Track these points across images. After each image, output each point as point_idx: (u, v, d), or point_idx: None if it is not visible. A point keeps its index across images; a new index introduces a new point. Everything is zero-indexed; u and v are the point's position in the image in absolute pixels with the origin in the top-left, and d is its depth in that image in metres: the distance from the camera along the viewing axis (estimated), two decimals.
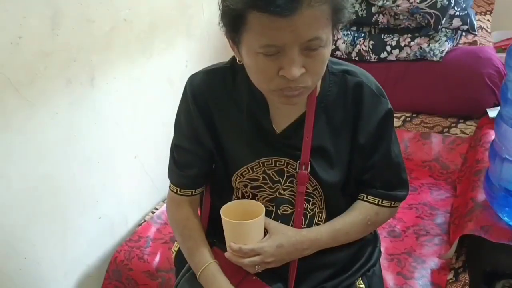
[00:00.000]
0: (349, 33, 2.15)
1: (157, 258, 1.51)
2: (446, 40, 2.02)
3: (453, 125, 2.01)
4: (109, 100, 1.48)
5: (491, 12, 2.37)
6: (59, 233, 1.37)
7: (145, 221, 1.68)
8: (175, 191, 1.09)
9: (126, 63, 1.54)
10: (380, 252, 1.13)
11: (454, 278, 1.28)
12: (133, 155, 1.64)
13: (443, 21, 1.98)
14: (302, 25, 0.78)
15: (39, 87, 1.23)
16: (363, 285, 1.05)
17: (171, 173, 1.10)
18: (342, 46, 2.15)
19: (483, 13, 2.36)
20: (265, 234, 0.97)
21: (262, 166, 1.00)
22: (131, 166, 1.64)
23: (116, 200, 1.59)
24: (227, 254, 0.97)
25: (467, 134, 1.95)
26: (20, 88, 1.17)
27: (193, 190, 1.09)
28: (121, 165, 1.59)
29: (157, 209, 1.74)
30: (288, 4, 0.75)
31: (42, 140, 1.27)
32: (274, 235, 0.96)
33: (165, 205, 1.70)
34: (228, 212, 0.96)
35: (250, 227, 0.94)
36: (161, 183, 1.11)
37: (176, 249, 1.21)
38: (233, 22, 0.83)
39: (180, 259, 1.18)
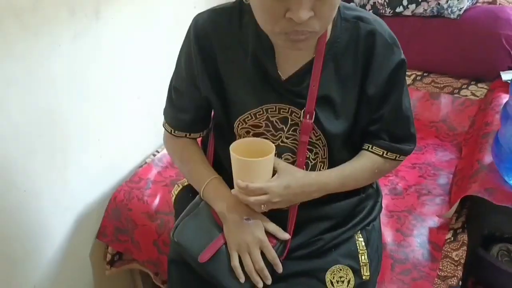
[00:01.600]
0: None
1: (157, 200, 1.51)
2: None
3: (464, 86, 1.96)
4: (114, 36, 1.43)
5: None
6: (59, 168, 1.36)
7: (146, 163, 1.67)
8: (169, 131, 1.09)
9: None
10: (381, 207, 1.13)
11: (452, 238, 1.28)
12: (136, 95, 1.61)
13: None
14: None
15: (42, 15, 1.18)
16: (361, 239, 1.05)
17: (166, 113, 1.10)
18: None
19: None
20: (274, 174, 0.96)
21: (265, 113, 0.97)
22: (134, 106, 1.61)
23: (118, 139, 1.57)
24: (233, 191, 0.96)
25: (478, 97, 1.91)
26: (22, 14, 1.12)
27: (187, 133, 1.08)
28: (124, 105, 1.56)
29: (158, 152, 1.73)
30: None
31: (44, 72, 1.23)
32: (283, 175, 0.94)
33: None
34: (238, 149, 0.94)
35: (259, 165, 0.92)
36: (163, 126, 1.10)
37: (176, 192, 1.21)
38: None
39: (180, 202, 1.18)
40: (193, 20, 0.98)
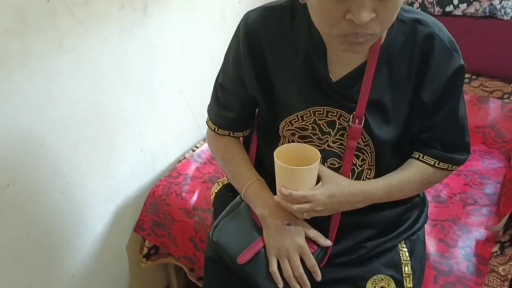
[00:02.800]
0: None
1: (195, 197, 1.51)
2: None
3: None
4: (160, 30, 1.44)
5: None
6: (102, 160, 1.38)
7: (185, 158, 1.67)
8: (213, 128, 1.08)
9: None
10: (427, 217, 1.09)
11: (499, 252, 1.22)
12: (178, 90, 1.61)
13: None
14: None
15: (93, 9, 1.19)
16: (405, 249, 1.02)
17: (210, 110, 1.09)
18: None
19: None
20: (318, 182, 0.93)
21: (313, 116, 0.95)
22: (175, 101, 1.61)
23: (159, 134, 1.58)
24: (276, 198, 0.95)
25: None
26: (73, 8, 1.14)
27: (231, 132, 1.07)
28: (166, 99, 1.57)
29: (197, 148, 1.73)
30: None
31: (91, 65, 1.24)
32: (327, 183, 0.92)
33: (205, 144, 1.69)
34: (282, 154, 0.92)
35: (303, 173, 0.90)
36: (203, 122, 1.08)
37: (215, 191, 1.21)
38: None
39: (219, 201, 1.18)
40: (243, 18, 0.96)
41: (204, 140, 1.76)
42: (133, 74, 1.39)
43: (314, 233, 0.97)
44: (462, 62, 0.90)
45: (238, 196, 1.07)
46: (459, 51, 0.91)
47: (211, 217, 1.33)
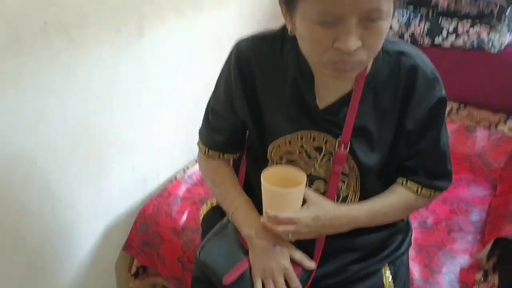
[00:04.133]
0: (405, 12, 2.06)
1: (184, 217, 1.52)
2: (507, 32, 1.92)
3: (501, 121, 1.92)
4: (154, 51, 1.47)
5: None
6: (93, 178, 1.40)
7: (176, 178, 1.69)
8: (203, 150, 1.10)
9: (175, 16, 1.52)
10: (410, 241, 1.11)
11: (482, 279, 1.24)
12: (171, 110, 1.64)
13: (507, 12, 1.87)
14: None
15: (87, 30, 1.22)
16: (389, 273, 1.03)
17: (202, 132, 1.12)
18: (395, 26, 2.07)
19: None
20: (303, 204, 0.96)
21: (300, 140, 0.98)
22: (168, 122, 1.64)
23: (150, 153, 1.60)
24: (262, 219, 0.97)
25: None
26: (68, 29, 1.17)
27: (221, 153, 1.09)
28: (158, 119, 1.59)
29: (188, 168, 1.75)
30: None
31: (85, 84, 1.27)
32: (313, 206, 0.94)
33: (197, 165, 1.71)
34: (269, 177, 0.94)
35: (289, 196, 0.92)
36: (195, 143, 1.11)
37: (204, 211, 1.22)
38: None
39: (207, 221, 1.19)
40: (235, 45, 1.00)
41: (195, 161, 1.78)
42: (126, 94, 1.41)
43: (299, 255, 0.99)
44: (444, 93, 0.94)
45: (226, 217, 1.09)
46: (441, 83, 0.94)
47: (200, 238, 1.34)
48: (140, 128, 1.52)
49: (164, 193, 1.61)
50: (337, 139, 0.95)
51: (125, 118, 1.44)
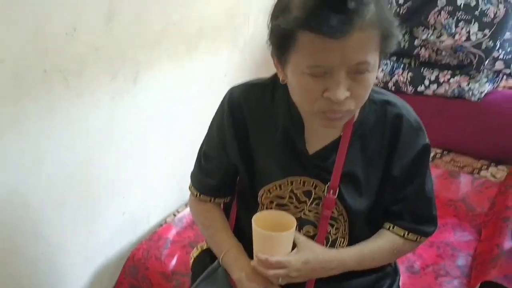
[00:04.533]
0: (389, 62, 2.15)
1: (174, 261, 1.52)
2: (486, 82, 2.00)
3: (484, 167, 1.97)
4: (149, 98, 1.52)
5: None
6: (85, 221, 1.40)
7: (166, 222, 1.70)
8: (195, 194, 1.12)
9: (170, 64, 1.58)
10: (398, 286, 1.12)
11: None
12: (163, 155, 1.67)
13: (486, 62, 1.96)
14: (351, 48, 0.79)
15: (86, 77, 1.27)
16: None
17: (193, 176, 1.13)
18: (380, 75, 2.14)
19: None
20: (293, 248, 0.97)
21: (290, 185, 1.01)
22: (160, 165, 1.66)
23: (142, 197, 1.61)
24: (252, 263, 0.98)
25: (497, 178, 1.91)
26: (68, 76, 1.21)
27: (212, 198, 1.11)
28: (151, 164, 1.62)
29: (179, 212, 1.76)
30: (341, 27, 0.76)
31: (82, 128, 1.31)
32: (302, 250, 0.96)
33: (187, 208, 1.72)
34: (260, 221, 0.96)
35: (279, 239, 0.94)
36: (186, 187, 1.14)
37: (194, 255, 1.22)
38: (282, 41, 0.84)
39: (198, 265, 1.19)
40: (227, 92, 1.04)
41: (186, 205, 1.79)
42: (121, 138, 1.45)
43: None
44: (427, 141, 0.99)
45: (216, 261, 1.10)
46: (425, 131, 0.99)
47: (189, 282, 1.34)
48: (133, 172, 1.54)
49: (154, 237, 1.61)
50: (326, 184, 0.98)
51: (120, 162, 1.47)
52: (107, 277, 1.55)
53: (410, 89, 2.10)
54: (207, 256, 1.16)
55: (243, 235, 1.07)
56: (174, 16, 1.53)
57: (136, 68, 1.44)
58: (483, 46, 1.92)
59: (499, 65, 2.00)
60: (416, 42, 2.06)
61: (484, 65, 1.96)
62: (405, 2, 2.02)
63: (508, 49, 2.01)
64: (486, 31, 1.91)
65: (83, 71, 1.25)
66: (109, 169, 1.43)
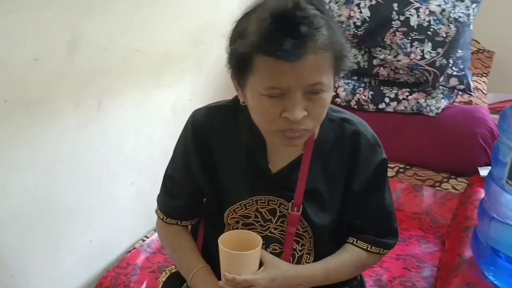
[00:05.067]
0: (350, 82, 2.21)
1: (143, 287, 1.50)
2: (442, 98, 2.09)
3: (445, 180, 2.04)
4: (114, 125, 1.52)
5: (487, 75, 2.46)
6: (50, 251, 1.38)
7: (134, 248, 1.68)
8: (161, 217, 1.13)
9: (134, 91, 1.59)
10: None
11: None
12: (130, 181, 1.66)
13: (441, 79, 2.05)
14: (306, 70, 0.83)
15: (49, 107, 1.27)
16: None
17: (160, 200, 1.14)
18: (342, 94, 2.21)
19: (479, 75, 2.44)
20: (260, 266, 0.99)
21: (255, 204, 1.03)
22: (127, 192, 1.66)
23: (109, 224, 1.60)
24: (220, 283, 0.98)
25: (458, 190, 1.98)
26: (31, 106, 1.21)
27: (179, 221, 1.12)
28: (118, 191, 1.61)
29: (147, 237, 1.75)
30: (295, 50, 0.80)
31: (46, 158, 1.30)
32: (269, 268, 0.98)
33: (156, 234, 1.71)
34: (226, 241, 0.98)
35: (245, 258, 0.96)
36: (154, 212, 1.15)
37: (163, 279, 1.22)
38: (240, 65, 0.88)
39: None
40: (190, 116, 1.06)
41: (154, 230, 1.78)
42: (86, 166, 1.44)
43: None
44: (384, 155, 1.03)
45: (185, 284, 1.10)
46: (382, 146, 1.03)
47: None
48: (99, 199, 1.53)
49: (122, 264, 1.59)
50: (290, 201, 1.01)
51: (85, 189, 1.46)
52: None
53: (371, 106, 2.16)
54: (176, 280, 1.16)
55: (211, 256, 1.08)
56: (138, 43, 1.55)
57: (101, 96, 1.44)
58: (437, 64, 2.01)
59: (453, 81, 2.10)
60: (375, 62, 2.15)
61: (439, 82, 2.05)
62: (362, 24, 2.10)
63: (461, 66, 2.11)
64: (439, 49, 2.00)
65: (46, 100, 1.25)
66: (75, 197, 1.42)
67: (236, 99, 1.02)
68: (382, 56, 2.09)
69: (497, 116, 2.11)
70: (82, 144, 1.41)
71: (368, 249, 1.05)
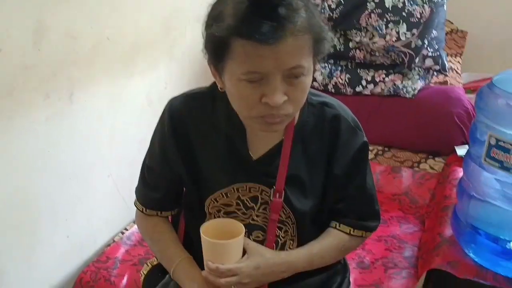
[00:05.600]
0: (327, 65, 2.20)
1: (124, 281, 1.47)
2: (418, 79, 2.10)
3: (423, 160, 2.06)
4: (87, 117, 1.47)
5: (461, 55, 2.49)
6: (26, 248, 1.34)
7: (114, 241, 1.65)
8: (141, 209, 1.11)
9: (106, 81, 1.54)
10: (349, 282, 1.15)
11: None
12: (107, 173, 1.62)
13: (416, 60, 2.06)
14: (285, 53, 0.81)
15: (17, 99, 1.22)
16: None
17: (138, 191, 1.12)
18: (319, 77, 2.20)
19: (454, 55, 2.46)
20: (244, 255, 0.97)
21: (236, 192, 1.01)
22: (104, 184, 1.62)
23: (86, 219, 1.56)
24: (203, 273, 0.97)
25: (436, 170, 2.00)
26: None
27: (159, 212, 1.10)
28: (94, 183, 1.57)
29: (127, 230, 1.71)
30: (273, 33, 0.78)
31: (16, 152, 1.25)
32: (252, 256, 0.97)
33: (135, 226, 1.68)
34: (208, 230, 0.96)
35: (228, 247, 0.94)
36: (133, 203, 1.12)
37: (145, 272, 1.20)
38: (217, 50, 0.85)
39: (149, 282, 1.17)
40: (167, 104, 1.03)
41: (133, 222, 1.75)
42: (59, 160, 1.39)
43: None
44: (365, 139, 1.02)
45: (168, 275, 1.08)
46: (362, 129, 1.03)
47: None
48: (75, 193, 1.49)
49: (102, 258, 1.55)
50: (272, 188, 0.99)
51: (60, 184, 1.41)
52: None
53: (349, 90, 2.16)
54: (158, 272, 1.15)
55: (193, 247, 1.06)
56: (108, 30, 1.50)
57: (71, 86, 1.39)
58: (412, 45, 2.01)
59: (428, 62, 2.11)
60: (351, 45, 2.14)
61: (414, 63, 2.06)
62: (337, 7, 2.08)
63: (436, 47, 2.12)
64: (414, 30, 2.00)
65: (13, 92, 1.20)
66: (49, 192, 1.38)
67: (213, 85, 1.00)
68: (358, 39, 2.09)
69: (472, 96, 2.15)
70: (54, 138, 1.36)
71: (351, 232, 1.05)
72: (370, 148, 2.03)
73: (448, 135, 1.99)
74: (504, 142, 1.15)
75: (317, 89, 2.16)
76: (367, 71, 2.14)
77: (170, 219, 1.15)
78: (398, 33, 2.00)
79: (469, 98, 2.06)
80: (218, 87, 0.94)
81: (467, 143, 1.96)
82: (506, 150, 1.15)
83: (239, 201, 1.02)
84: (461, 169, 1.76)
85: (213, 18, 0.86)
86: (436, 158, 2.04)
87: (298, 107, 0.91)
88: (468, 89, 2.33)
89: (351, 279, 1.16)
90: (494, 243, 1.25)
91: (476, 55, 2.53)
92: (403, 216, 1.84)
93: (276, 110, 0.85)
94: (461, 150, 1.90)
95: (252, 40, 0.79)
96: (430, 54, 2.10)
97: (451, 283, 1.31)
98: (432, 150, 2.05)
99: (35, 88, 1.27)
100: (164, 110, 1.03)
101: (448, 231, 1.42)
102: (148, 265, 1.20)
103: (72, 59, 1.38)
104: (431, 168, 2.02)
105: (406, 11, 2.00)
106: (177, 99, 1.03)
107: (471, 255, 1.30)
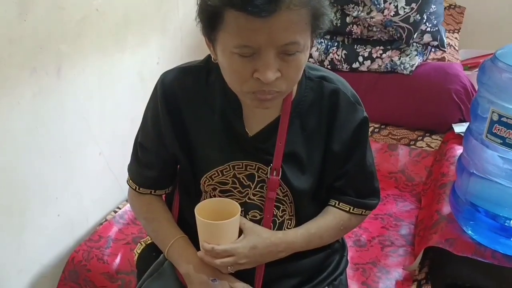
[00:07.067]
0: (323, 41, 2.16)
1: (118, 260, 1.46)
2: (416, 55, 2.06)
3: (420, 138, 2.04)
4: (76, 93, 1.43)
5: (459, 31, 2.45)
6: (16, 229, 1.31)
7: (106, 220, 1.62)
8: (134, 188, 1.08)
9: (96, 55, 1.49)
10: (347, 261, 1.13)
11: None
12: (98, 151, 1.58)
13: (415, 36, 2.01)
14: (279, 28, 0.77)
15: (2, 74, 1.17)
16: None
17: (131, 169, 1.09)
18: (315, 54, 2.16)
19: (451, 31, 2.43)
20: (240, 234, 0.95)
21: (232, 170, 0.98)
22: (95, 163, 1.58)
23: (77, 197, 1.53)
24: (199, 254, 0.95)
25: (433, 148, 1.99)
26: None
27: (153, 190, 1.07)
28: (85, 162, 1.53)
29: (120, 208, 1.69)
30: (266, 5, 0.74)
31: (2, 130, 1.20)
32: (249, 236, 0.94)
33: (128, 204, 1.65)
34: (203, 210, 0.93)
35: (224, 227, 0.92)
36: (125, 182, 1.09)
37: (138, 251, 1.18)
38: (210, 19, 0.81)
39: (142, 261, 1.15)
40: (159, 78, 0.99)
41: (126, 200, 1.72)
42: (48, 137, 1.35)
43: (240, 286, 0.98)
44: (365, 114, 0.99)
45: (162, 255, 1.06)
46: (362, 104, 0.99)
47: (135, 280, 1.29)
48: (65, 171, 1.45)
49: (94, 237, 1.53)
50: (269, 166, 0.96)
51: (49, 162, 1.38)
52: (46, 286, 1.46)
53: (345, 66, 2.12)
54: (152, 251, 1.12)
55: (188, 226, 1.04)
56: (97, 2, 1.44)
57: (59, 61, 1.34)
58: (411, 20, 1.96)
59: (427, 37, 2.07)
60: (348, 20, 2.09)
61: (413, 38, 2.01)
62: None
63: (434, 22, 2.07)
64: (413, 5, 1.95)
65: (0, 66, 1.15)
66: (38, 171, 1.34)
67: (208, 58, 0.96)
68: (355, 13, 2.03)
69: (469, 72, 2.13)
70: (42, 114, 1.32)
71: (351, 210, 1.03)
72: None
73: (445, 112, 1.97)
74: (507, 117, 1.12)
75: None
76: (364, 47, 2.10)
77: (164, 198, 1.12)
78: (396, 7, 1.95)
79: (467, 75, 2.03)
80: (212, 59, 0.90)
81: (464, 120, 1.94)
82: (509, 126, 1.12)
83: (235, 179, 0.99)
84: (459, 146, 1.75)
85: None
86: (433, 136, 2.02)
87: (292, 84, 0.87)
88: (465, 66, 2.30)
89: (348, 258, 1.14)
90: (493, 220, 1.24)
91: (474, 32, 2.50)
92: (399, 194, 1.83)
93: (268, 86, 0.82)
94: (458, 128, 1.88)
95: (244, 11, 0.75)
96: (428, 29, 2.05)
97: (448, 260, 1.30)
98: (429, 128, 2.03)
99: (20, 62, 1.22)
100: (156, 84, 0.99)
101: (446, 209, 1.41)
102: (142, 244, 1.18)
103: (60, 32, 1.32)
104: (428, 145, 2.01)
105: None
106: (170, 73, 0.99)
107: (470, 232, 1.29)
